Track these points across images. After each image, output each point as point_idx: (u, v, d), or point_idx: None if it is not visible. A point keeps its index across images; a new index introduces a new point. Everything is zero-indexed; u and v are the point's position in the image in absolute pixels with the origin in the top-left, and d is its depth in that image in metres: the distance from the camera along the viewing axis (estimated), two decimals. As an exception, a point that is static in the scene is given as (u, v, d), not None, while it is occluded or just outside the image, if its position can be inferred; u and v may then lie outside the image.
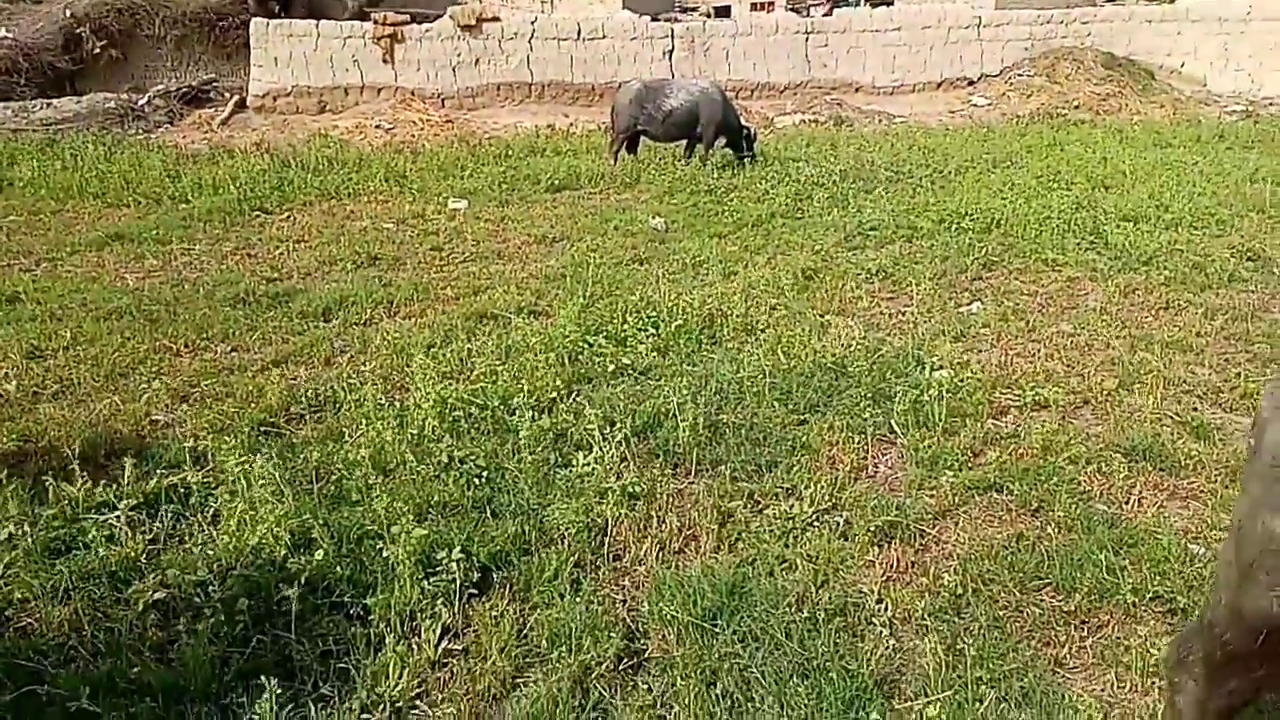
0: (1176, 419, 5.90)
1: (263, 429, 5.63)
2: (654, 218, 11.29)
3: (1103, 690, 3.59)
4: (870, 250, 10.03)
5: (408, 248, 10.02)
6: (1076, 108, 20.68)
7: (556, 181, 13.20)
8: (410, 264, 9.47)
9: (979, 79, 23.46)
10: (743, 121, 15.14)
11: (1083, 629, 3.97)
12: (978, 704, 3.44)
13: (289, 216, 11.53)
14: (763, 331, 7.46)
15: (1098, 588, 4.14)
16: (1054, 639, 3.91)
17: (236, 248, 10.15)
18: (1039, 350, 7.17)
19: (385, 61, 20.45)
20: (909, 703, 3.46)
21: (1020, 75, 22.58)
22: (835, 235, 10.51)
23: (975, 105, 21.82)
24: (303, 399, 6.00)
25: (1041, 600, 4.17)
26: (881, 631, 3.90)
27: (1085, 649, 3.85)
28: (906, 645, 3.85)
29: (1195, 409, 6.08)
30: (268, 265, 9.39)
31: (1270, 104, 22.42)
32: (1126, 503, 4.94)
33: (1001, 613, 4.06)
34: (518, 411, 5.60)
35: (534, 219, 11.39)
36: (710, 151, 14.53)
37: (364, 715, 3.40)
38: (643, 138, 14.77)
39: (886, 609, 4.08)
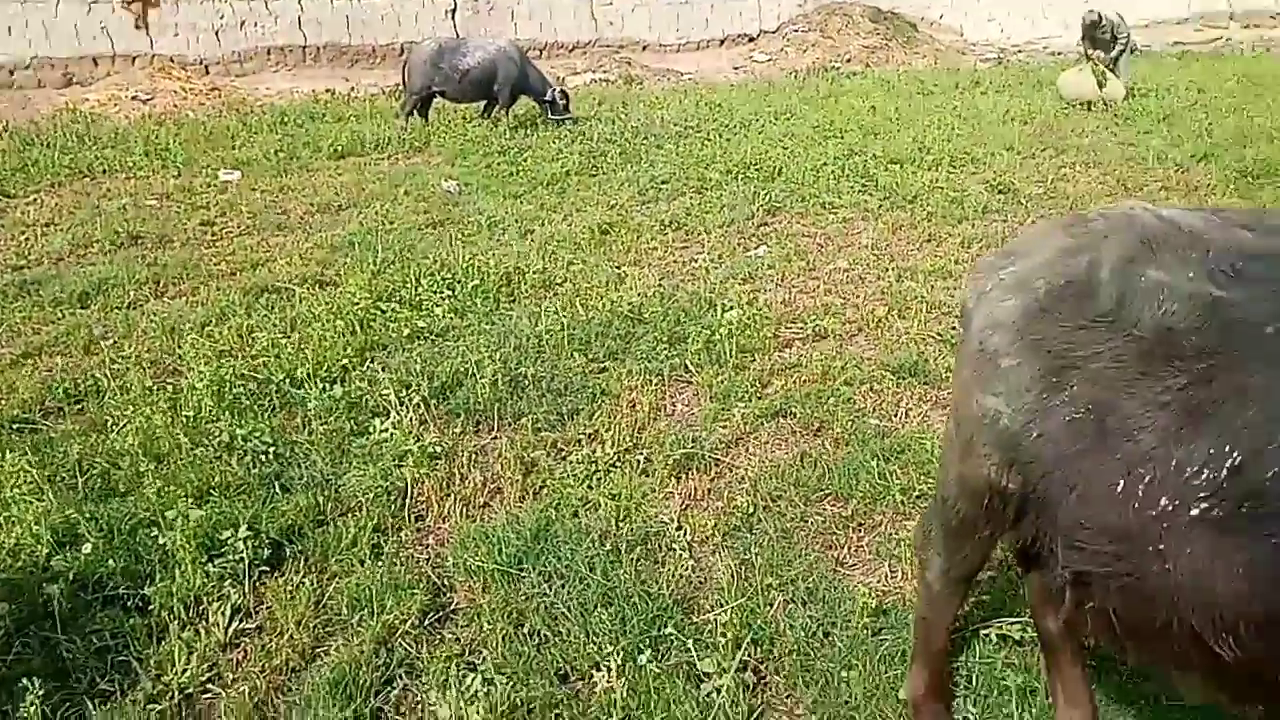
0: (938, 338, 6.45)
1: (15, 426, 5.11)
2: (446, 181, 11.03)
3: (878, 581, 3.91)
4: (663, 203, 10.26)
5: (174, 224, 9.26)
6: (848, 61, 21.94)
7: (339, 148, 12.58)
8: (178, 241, 8.77)
9: (759, 35, 24.36)
10: (550, 82, 14.93)
11: (860, 530, 4.31)
12: (768, 608, 3.68)
13: (35, 199, 10.38)
14: (560, 286, 7.50)
15: (871, 492, 4.49)
16: (835, 542, 4.22)
17: (-29, 236, 9.05)
18: (819, 286, 7.62)
19: (138, 27, 18.69)
20: (705, 615, 3.64)
21: (795, 31, 23.64)
22: (629, 190, 10.68)
23: (756, 61, 22.67)
24: (59, 391, 5.48)
25: (824, 509, 4.48)
26: (681, 555, 4.08)
27: (862, 547, 4.19)
28: (704, 564, 4.04)
29: (954, 328, 6.68)
30: (13, 252, 8.44)
31: (1019, 51, 24.69)
32: (895, 415, 5.38)
33: (789, 524, 4.34)
34: (305, 384, 5.36)
35: (317, 188, 10.84)
36: (504, 112, 14.33)
37: (151, 706, 3.20)
38: (436, 99, 14.35)
39: (685, 534, 4.26)
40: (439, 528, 4.38)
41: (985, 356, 2.46)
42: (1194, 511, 1.94)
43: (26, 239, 8.88)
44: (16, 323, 6.69)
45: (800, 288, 7.64)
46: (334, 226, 9.34)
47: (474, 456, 4.94)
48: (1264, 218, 2.28)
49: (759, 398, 5.63)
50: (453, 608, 3.77)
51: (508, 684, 3.23)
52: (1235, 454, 1.89)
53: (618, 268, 7.99)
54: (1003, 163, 11.72)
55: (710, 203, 10.15)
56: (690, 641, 3.41)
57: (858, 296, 7.33)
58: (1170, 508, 1.98)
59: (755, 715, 3.11)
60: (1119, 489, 2.06)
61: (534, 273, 7.71)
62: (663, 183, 10.94)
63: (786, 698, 3.26)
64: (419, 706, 3.23)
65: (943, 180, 10.76)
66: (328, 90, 17.99)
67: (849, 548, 4.20)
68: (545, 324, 6.54)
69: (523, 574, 3.90)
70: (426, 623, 3.65)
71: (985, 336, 2.46)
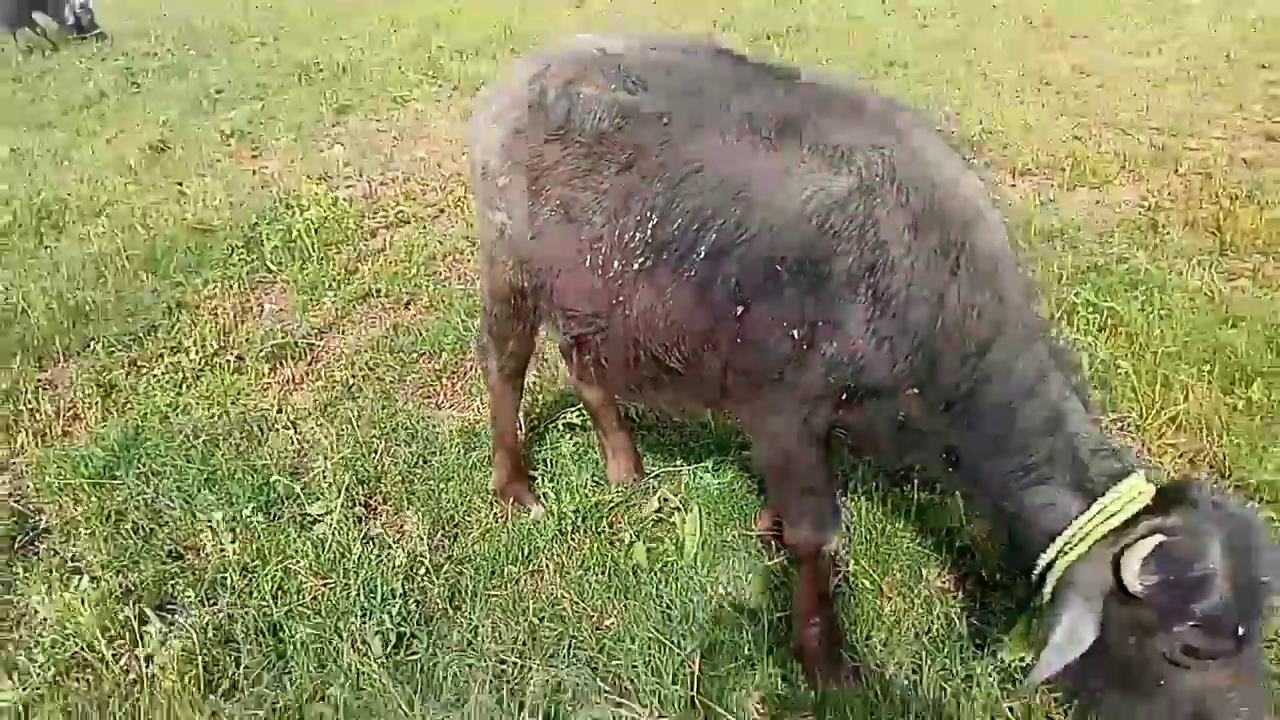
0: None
1: None
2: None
3: (470, 414, 4.42)
4: (221, 114, 9.67)
5: None
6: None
7: None
8: None
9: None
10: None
11: (453, 378, 4.77)
12: (373, 455, 4.03)
13: None
14: (114, 209, 6.95)
15: (460, 345, 4.96)
16: (432, 391, 4.65)
17: None
18: (398, 176, 7.82)
19: None
20: (313, 474, 3.90)
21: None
22: (181, 105, 9.90)
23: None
24: None
25: (420, 368, 4.87)
26: (284, 432, 4.27)
27: (455, 391, 4.66)
28: (308, 435, 4.27)
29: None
30: None
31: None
32: (478, 279, 5.87)
33: (388, 386, 4.68)
34: None
35: None
36: (12, 37, 12.30)
37: None
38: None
39: (286, 415, 4.44)
40: (13, 463, 4.13)
41: (488, 179, 2.94)
42: (635, 267, 2.59)
43: None
44: None
45: (380, 180, 7.79)
46: None
47: (41, 389, 4.64)
48: (679, 42, 2.94)
49: (347, 284, 5.81)
50: (45, 527, 3.66)
51: (115, 576, 3.28)
52: (652, 217, 2.54)
53: (178, 184, 7.54)
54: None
55: (277, 108, 9.78)
56: (300, 495, 3.68)
57: (437, 181, 7.65)
58: (620, 268, 2.61)
59: (364, 537, 3.48)
60: (587, 263, 2.67)
61: (80, 200, 7.05)
62: (218, 92, 10.28)
63: (395, 517, 3.67)
64: (24, 617, 3.18)
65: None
66: None
67: (444, 394, 4.65)
68: (101, 248, 6.10)
69: (116, 481, 3.86)
70: (17, 546, 3.52)
71: (484, 162, 2.94)
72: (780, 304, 2.36)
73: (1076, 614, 2.17)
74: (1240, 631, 2.07)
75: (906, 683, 2.71)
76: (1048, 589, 2.31)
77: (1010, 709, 2.62)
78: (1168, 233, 5.75)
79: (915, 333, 2.28)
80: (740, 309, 2.42)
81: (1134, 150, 7.14)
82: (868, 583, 3.11)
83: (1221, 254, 5.40)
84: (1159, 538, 2.11)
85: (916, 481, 3.42)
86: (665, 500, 3.45)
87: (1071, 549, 2.25)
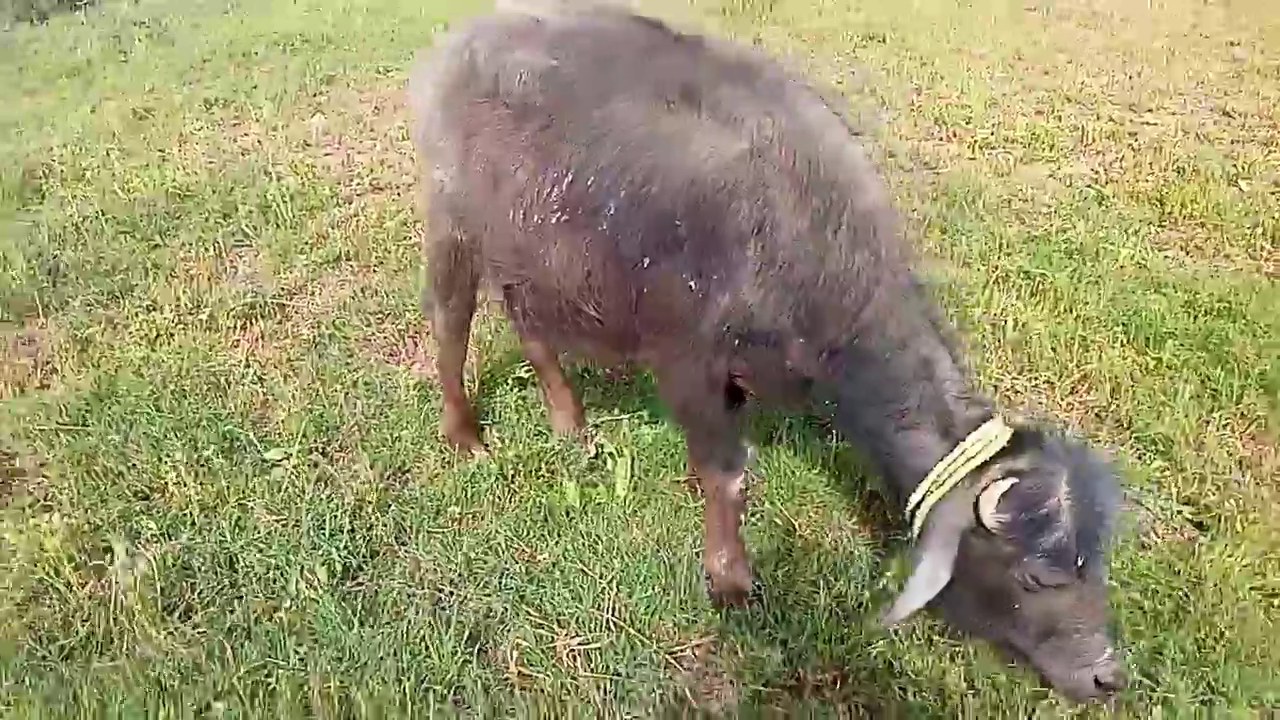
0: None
1: None
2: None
3: (427, 371, 4.63)
4: (206, 82, 9.82)
5: None
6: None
7: None
8: None
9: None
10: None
11: (415, 337, 4.97)
12: (334, 407, 4.25)
13: None
14: (96, 174, 7.13)
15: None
16: (395, 351, 4.85)
17: None
18: (375, 145, 7.99)
19: None
20: (277, 425, 4.13)
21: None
22: (166, 73, 10.03)
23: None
24: None
25: (385, 328, 5.07)
26: (250, 385, 4.49)
27: (418, 349, 4.87)
28: (273, 389, 4.48)
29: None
30: None
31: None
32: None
33: (353, 345, 4.88)
34: None
35: None
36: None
37: None
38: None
39: (254, 370, 4.65)
40: (-12, 417, 4.36)
41: (427, 140, 3.14)
42: (553, 220, 2.79)
43: None
44: None
45: (358, 149, 7.95)
46: None
47: (19, 344, 4.86)
48: (602, 8, 3.13)
49: (319, 248, 6.01)
50: (19, 468, 3.90)
51: (84, 513, 3.52)
52: (568, 175, 2.74)
53: (160, 150, 7.72)
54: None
55: (260, 77, 9.92)
56: (258, 442, 3.91)
57: (413, 150, 7.82)
58: (541, 222, 2.82)
59: (318, 479, 3.71)
60: (511, 218, 2.88)
61: (62, 165, 7.23)
62: (204, 61, 10.41)
63: (350, 464, 3.90)
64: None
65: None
66: None
67: (405, 352, 4.87)
68: (81, 211, 6.30)
69: (89, 428, 4.09)
70: (-13, 492, 3.77)
71: (424, 124, 3.15)
72: (680, 258, 2.57)
73: (935, 557, 2.40)
74: (1080, 563, 2.31)
75: (804, 606, 2.95)
76: (916, 526, 2.54)
77: (895, 631, 2.86)
78: (1114, 204, 5.95)
79: (799, 286, 2.49)
80: (647, 261, 2.63)
81: (1092, 125, 7.32)
82: (778, 521, 3.35)
83: (1160, 224, 5.61)
84: (1012, 480, 2.33)
85: (836, 433, 3.66)
86: (601, 447, 3.68)
87: (937, 489, 2.48)
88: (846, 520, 3.37)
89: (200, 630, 3.02)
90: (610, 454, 3.59)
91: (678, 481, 3.60)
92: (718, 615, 2.97)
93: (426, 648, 2.85)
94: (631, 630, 2.92)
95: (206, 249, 5.93)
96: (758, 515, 3.41)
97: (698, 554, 3.22)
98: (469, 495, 3.61)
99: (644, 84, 2.67)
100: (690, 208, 2.54)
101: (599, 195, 2.67)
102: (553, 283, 2.88)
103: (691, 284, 2.57)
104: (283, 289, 5.50)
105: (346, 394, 4.40)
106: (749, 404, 3.07)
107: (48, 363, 4.75)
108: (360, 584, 3.22)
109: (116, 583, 3.16)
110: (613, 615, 2.98)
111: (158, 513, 3.57)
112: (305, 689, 2.73)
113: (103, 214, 6.29)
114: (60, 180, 7.01)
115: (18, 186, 6.81)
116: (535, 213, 2.82)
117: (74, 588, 3.16)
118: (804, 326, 2.53)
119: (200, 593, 3.18)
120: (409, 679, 2.72)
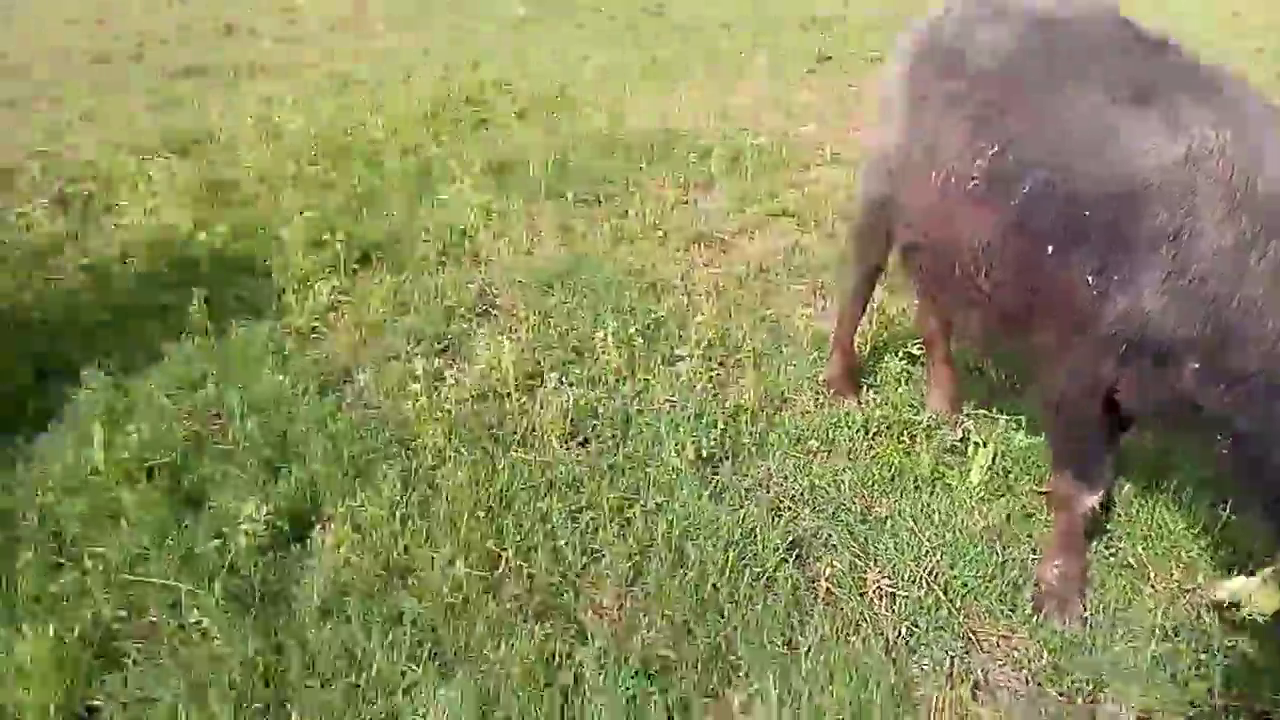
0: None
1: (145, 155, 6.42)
2: (519, 7, 11.82)
3: (826, 325, 4.94)
4: (725, 43, 10.97)
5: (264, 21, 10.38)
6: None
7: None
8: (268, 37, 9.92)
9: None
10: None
11: (820, 294, 5.31)
12: (740, 330, 4.74)
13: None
14: (612, 103, 8.43)
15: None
16: (804, 300, 5.24)
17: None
18: (849, 124, 8.41)
19: None
20: (689, 332, 4.72)
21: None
22: (688, 33, 11.37)
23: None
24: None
25: (802, 281, 5.48)
26: (679, 295, 5.15)
27: (817, 303, 5.20)
28: (696, 304, 5.09)
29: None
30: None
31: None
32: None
33: (769, 290, 5.35)
34: (383, 151, 6.52)
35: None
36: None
37: (277, 332, 4.45)
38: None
39: (686, 285, 5.32)
40: (491, 259, 5.51)
41: (887, 103, 3.43)
42: (968, 187, 2.92)
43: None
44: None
45: (833, 124, 8.44)
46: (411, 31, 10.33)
47: (521, 217, 6.03)
48: (1081, 5, 3.12)
49: (769, 200, 6.58)
50: (496, 303, 4.94)
51: (534, 349, 4.40)
52: (997, 146, 2.84)
53: (670, 91, 8.86)
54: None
55: (759, 49, 10.83)
56: (677, 337, 4.54)
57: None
58: (957, 186, 2.95)
59: (710, 381, 4.22)
60: (933, 179, 3.05)
61: (586, 89, 8.66)
62: (723, 26, 11.60)
63: (738, 379, 4.34)
64: (460, 354, 4.42)
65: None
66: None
67: (815, 307, 5.22)
68: (593, 127, 7.53)
69: (551, 291, 5.03)
70: (477, 309, 4.83)
71: (887, 88, 3.43)
72: (1085, 249, 2.57)
73: None
74: None
75: (1133, 654, 2.81)
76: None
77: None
78: None
79: (1210, 301, 2.37)
80: (1051, 247, 2.66)
81: None
82: (1132, 563, 3.16)
83: None
84: None
85: (1229, 503, 3.32)
86: (968, 433, 3.71)
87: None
88: (1198, 573, 3.09)
89: (587, 462, 3.66)
90: (975, 443, 3.61)
91: (1035, 491, 3.53)
92: (1033, 619, 2.93)
93: (755, 537, 3.20)
94: (943, 595, 3.00)
95: (679, 180, 6.79)
96: (1111, 551, 3.25)
97: (1033, 561, 3.18)
98: (830, 437, 3.87)
99: (1097, 76, 2.69)
100: (1105, 200, 2.53)
101: (1019, 170, 2.75)
102: (954, 247, 3.01)
103: (1089, 278, 2.56)
104: (728, 228, 6.13)
105: (754, 325, 4.87)
106: (1132, 430, 2.95)
107: (537, 235, 5.85)
108: (717, 473, 3.65)
109: (542, 407, 3.94)
110: (929, 576, 3.08)
111: (585, 366, 4.33)
112: (654, 529, 3.23)
113: (607, 133, 7.48)
114: (583, 104, 8.42)
115: (553, 101, 8.30)
116: (956, 178, 2.96)
117: (512, 397, 4.00)
118: (1207, 347, 2.40)
119: (597, 432, 3.85)
120: (734, 550, 3.09)
